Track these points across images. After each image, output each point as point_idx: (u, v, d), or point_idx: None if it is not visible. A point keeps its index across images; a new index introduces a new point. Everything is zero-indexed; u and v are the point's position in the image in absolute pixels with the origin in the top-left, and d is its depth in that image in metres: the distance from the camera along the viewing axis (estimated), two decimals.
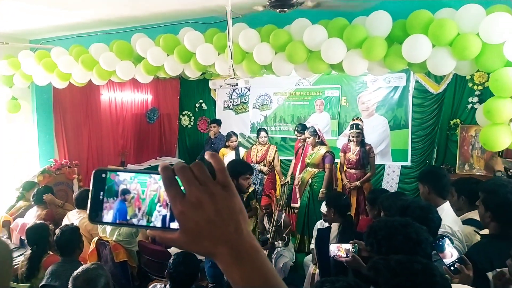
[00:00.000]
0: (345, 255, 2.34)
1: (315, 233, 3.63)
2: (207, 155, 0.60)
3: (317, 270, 3.41)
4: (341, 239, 2.97)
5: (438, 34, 2.80)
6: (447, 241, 1.76)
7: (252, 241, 0.56)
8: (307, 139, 5.13)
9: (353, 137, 4.90)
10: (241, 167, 3.53)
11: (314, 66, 3.38)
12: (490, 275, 1.75)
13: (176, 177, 0.55)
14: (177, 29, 3.86)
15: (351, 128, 4.93)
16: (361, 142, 4.89)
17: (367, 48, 3.04)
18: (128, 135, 6.91)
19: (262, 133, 5.67)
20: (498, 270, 1.75)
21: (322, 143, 5.16)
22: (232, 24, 3.49)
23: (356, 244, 2.36)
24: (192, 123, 7.81)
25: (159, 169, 0.56)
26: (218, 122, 6.65)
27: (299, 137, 5.66)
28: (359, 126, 4.88)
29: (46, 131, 5.46)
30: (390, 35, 3.08)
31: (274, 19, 3.64)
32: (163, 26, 4.20)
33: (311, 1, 3.15)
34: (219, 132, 6.56)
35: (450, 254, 1.75)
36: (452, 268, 1.69)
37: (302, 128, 5.58)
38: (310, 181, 5.07)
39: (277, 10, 2.95)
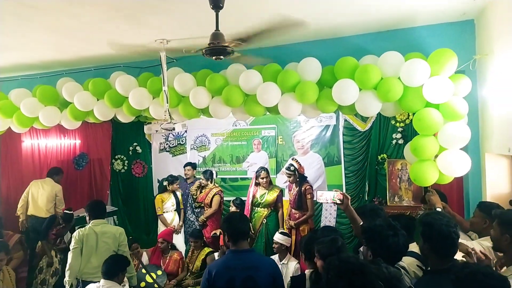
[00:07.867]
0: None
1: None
2: None
3: None
4: None
5: (363, 78, 3.00)
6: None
7: None
8: (262, 180, 4.99)
9: (288, 177, 4.97)
10: None
11: (251, 109, 3.42)
12: None
13: None
14: (108, 73, 3.72)
15: (286, 169, 4.99)
16: (299, 183, 4.91)
17: (300, 92, 3.16)
18: None
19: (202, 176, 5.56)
20: None
21: (271, 182, 5.16)
22: (167, 68, 3.45)
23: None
24: (126, 167, 7.42)
25: None
26: (194, 165, 6.24)
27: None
28: (291, 168, 4.90)
29: None
30: (320, 80, 3.24)
31: (208, 64, 3.66)
32: (92, 70, 4.03)
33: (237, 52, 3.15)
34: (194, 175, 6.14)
35: None
36: None
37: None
38: (264, 221, 4.98)
39: (213, 57, 2.96)
